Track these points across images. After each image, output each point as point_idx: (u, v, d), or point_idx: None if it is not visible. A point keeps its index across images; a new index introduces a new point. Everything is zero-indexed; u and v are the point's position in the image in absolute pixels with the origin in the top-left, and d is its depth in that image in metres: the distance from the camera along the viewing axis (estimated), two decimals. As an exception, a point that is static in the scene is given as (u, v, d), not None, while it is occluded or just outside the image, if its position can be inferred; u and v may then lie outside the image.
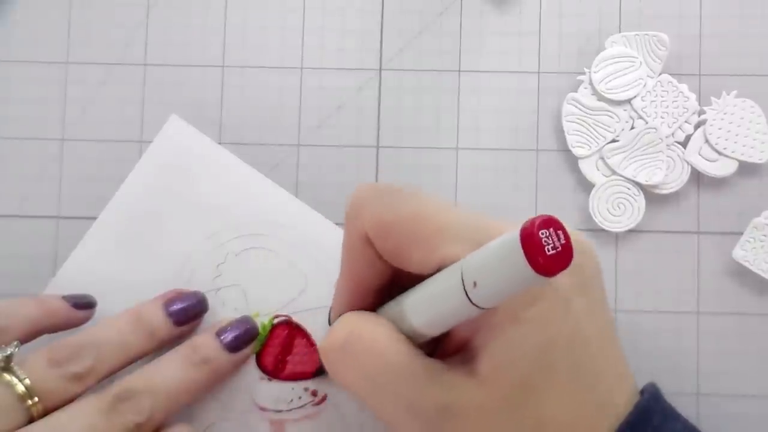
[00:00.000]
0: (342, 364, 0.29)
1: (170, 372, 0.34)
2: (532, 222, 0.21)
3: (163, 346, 0.36)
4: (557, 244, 0.21)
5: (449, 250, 0.26)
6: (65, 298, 0.36)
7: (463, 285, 0.24)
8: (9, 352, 0.32)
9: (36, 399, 0.32)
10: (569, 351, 0.27)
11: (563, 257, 0.21)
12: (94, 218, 0.40)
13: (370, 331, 0.28)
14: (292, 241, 0.39)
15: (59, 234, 0.41)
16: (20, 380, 0.31)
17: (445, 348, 0.29)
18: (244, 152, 0.40)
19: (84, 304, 0.36)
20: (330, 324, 0.32)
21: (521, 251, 0.21)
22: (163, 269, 0.39)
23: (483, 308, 0.24)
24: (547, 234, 0.21)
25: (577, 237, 0.28)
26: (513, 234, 0.22)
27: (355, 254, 0.29)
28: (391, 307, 0.30)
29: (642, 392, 0.29)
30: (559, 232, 0.21)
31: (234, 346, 0.36)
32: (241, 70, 0.41)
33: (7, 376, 0.31)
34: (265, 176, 0.40)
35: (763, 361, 0.40)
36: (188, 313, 0.37)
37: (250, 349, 0.38)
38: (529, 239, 0.21)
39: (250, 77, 0.41)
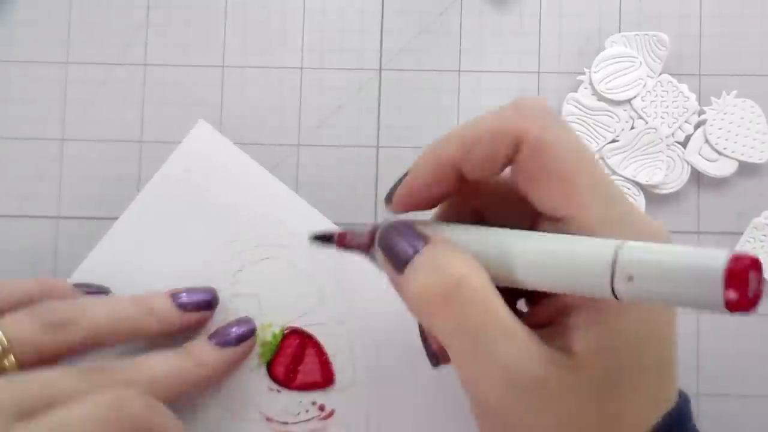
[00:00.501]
0: (443, 312, 0.26)
1: (163, 360, 0.34)
2: (740, 258, 0.21)
3: (167, 329, 0.36)
4: (755, 288, 0.21)
5: (598, 206, 0.25)
6: (77, 285, 0.36)
7: (612, 271, 0.23)
8: None
9: (7, 346, 0.31)
10: (659, 348, 0.26)
11: (755, 302, 0.21)
12: (95, 218, 0.40)
13: (480, 282, 0.26)
14: (312, 254, 0.39)
15: (59, 234, 0.41)
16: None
17: (532, 312, 0.28)
18: (244, 152, 0.40)
19: (93, 292, 0.36)
20: (388, 200, 0.30)
21: (720, 282, 0.21)
22: (180, 273, 0.39)
23: (618, 299, 0.23)
24: (752, 276, 0.21)
25: (657, 231, 0.27)
26: (714, 259, 0.21)
27: (486, 144, 0.26)
28: (480, 237, 0.27)
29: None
30: (760, 277, 0.21)
31: (226, 342, 0.36)
32: (241, 70, 0.41)
33: None
34: (290, 189, 0.40)
35: (763, 361, 0.40)
36: (196, 302, 0.36)
37: (245, 347, 0.37)
38: (736, 276, 0.21)
39: (250, 77, 0.41)
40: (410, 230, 0.28)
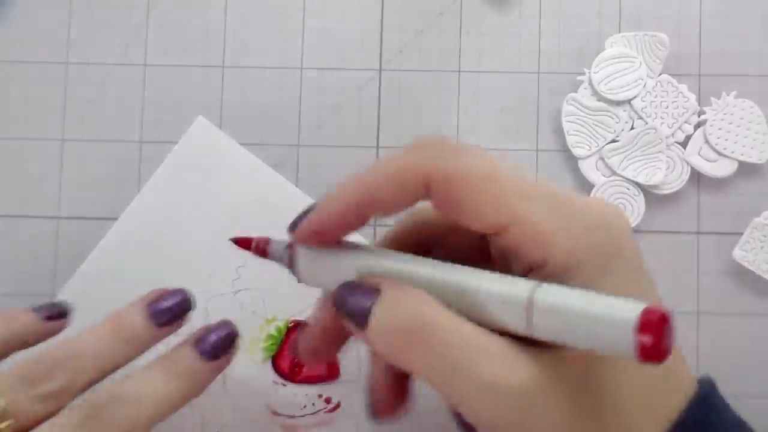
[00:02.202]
0: (414, 353, 0.26)
1: (150, 383, 0.33)
2: (653, 312, 0.22)
3: (147, 349, 0.34)
4: (667, 342, 0.22)
5: (524, 210, 0.26)
6: (36, 309, 0.34)
7: (528, 310, 0.24)
8: None
9: (10, 420, 0.30)
10: None
11: (664, 353, 0.22)
12: (95, 218, 0.40)
13: (436, 314, 0.26)
14: None
15: (59, 234, 0.41)
16: None
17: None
18: (242, 147, 0.40)
19: (56, 314, 0.35)
20: (291, 231, 0.30)
21: (633, 336, 0.21)
22: (182, 269, 0.39)
23: (534, 336, 0.24)
24: (664, 330, 0.22)
25: (603, 204, 0.27)
26: (627, 314, 0.22)
27: (395, 183, 0.27)
28: (436, 273, 0.28)
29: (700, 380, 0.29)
30: (670, 330, 0.22)
31: (213, 354, 0.34)
32: (241, 70, 0.41)
33: None
34: (288, 181, 0.40)
35: (764, 361, 0.40)
36: (172, 313, 0.35)
37: (231, 355, 0.35)
38: (647, 333, 0.21)
39: (250, 77, 0.41)
40: (361, 287, 0.28)
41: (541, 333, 0.24)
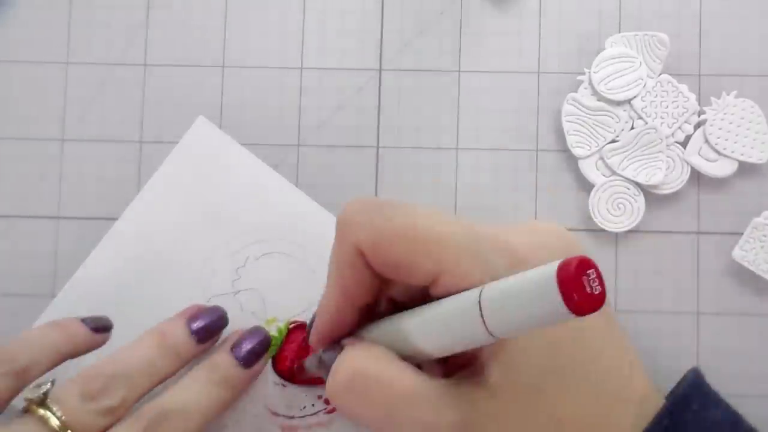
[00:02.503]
0: (352, 404, 0.29)
1: (196, 393, 0.35)
2: (568, 263, 0.21)
3: (189, 363, 0.36)
4: (594, 285, 0.22)
5: (449, 258, 0.27)
6: (84, 321, 0.36)
7: (481, 315, 0.24)
8: (46, 389, 0.32)
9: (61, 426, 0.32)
10: (574, 350, 0.28)
11: (599, 298, 0.22)
12: (95, 218, 0.40)
13: (374, 365, 0.28)
14: (313, 247, 0.39)
15: (59, 234, 0.41)
16: (55, 415, 0.32)
17: (450, 362, 0.30)
18: (243, 147, 0.40)
19: (102, 327, 0.36)
20: (308, 342, 0.32)
21: (557, 291, 0.21)
22: (183, 270, 0.39)
23: (498, 338, 0.25)
24: (585, 275, 0.22)
25: (562, 231, 0.29)
26: (547, 272, 0.22)
27: (346, 269, 0.29)
28: (386, 327, 0.29)
29: (683, 377, 0.30)
30: (595, 272, 0.22)
31: (249, 361, 0.37)
32: (241, 70, 0.41)
33: (41, 411, 0.32)
34: (288, 181, 0.40)
35: (763, 361, 0.40)
36: (211, 330, 0.37)
37: (265, 359, 0.38)
38: (568, 280, 0.21)
39: (250, 77, 0.41)
40: (335, 346, 0.31)
41: (497, 329, 0.24)
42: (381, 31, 0.42)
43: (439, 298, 0.27)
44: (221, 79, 0.41)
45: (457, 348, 0.26)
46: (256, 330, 0.38)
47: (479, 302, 0.24)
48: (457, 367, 0.29)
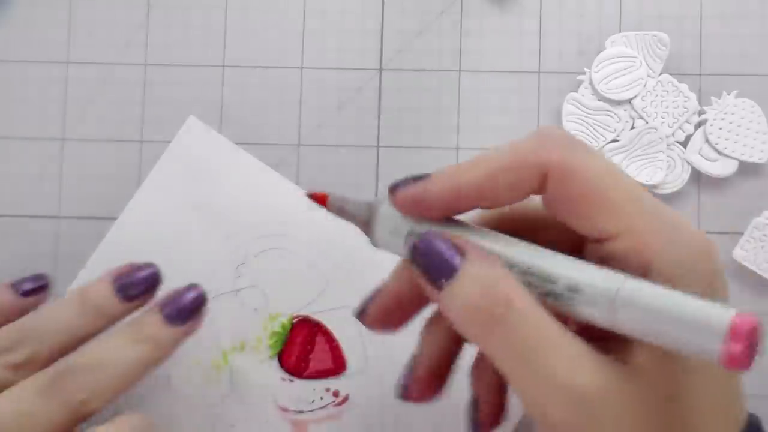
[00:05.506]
0: (492, 335, 0.25)
1: (113, 349, 0.33)
2: (746, 321, 0.21)
3: (115, 322, 0.34)
4: (753, 351, 0.22)
5: (640, 222, 0.25)
6: (13, 284, 0.35)
7: (616, 303, 0.24)
8: None
9: None
10: (706, 375, 0.26)
11: (750, 362, 0.22)
12: (95, 218, 0.40)
13: (524, 300, 0.25)
14: (312, 241, 0.39)
15: (59, 234, 0.41)
16: None
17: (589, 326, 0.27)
18: (235, 145, 0.40)
19: (32, 290, 0.35)
20: (393, 189, 0.28)
21: (721, 342, 0.21)
22: (182, 270, 0.39)
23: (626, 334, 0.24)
24: (753, 339, 0.22)
25: (705, 237, 0.26)
26: (720, 315, 0.22)
27: (511, 174, 0.26)
28: (525, 254, 0.26)
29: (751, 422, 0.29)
30: (759, 339, 0.22)
31: (178, 319, 0.34)
32: (241, 70, 0.41)
33: None
34: (283, 176, 0.40)
35: (763, 361, 0.40)
36: (138, 287, 0.34)
37: (198, 320, 0.35)
38: (739, 337, 0.21)
39: (250, 77, 0.41)
40: (446, 242, 0.26)
41: (625, 327, 0.23)
42: (381, 31, 0.42)
43: (601, 257, 0.26)
44: (221, 79, 0.41)
45: (586, 319, 0.25)
46: (191, 286, 0.35)
47: (621, 288, 0.23)
48: (596, 332, 0.26)
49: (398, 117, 0.41)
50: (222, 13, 0.42)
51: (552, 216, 0.27)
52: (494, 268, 0.26)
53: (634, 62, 0.40)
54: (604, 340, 0.26)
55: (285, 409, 0.38)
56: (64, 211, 0.41)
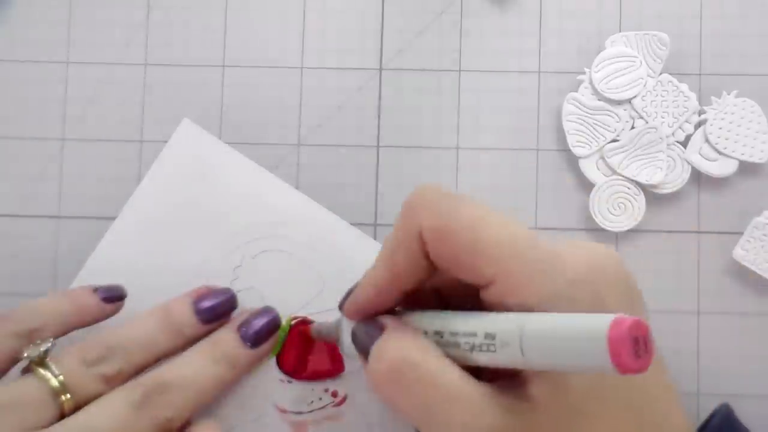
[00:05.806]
0: (394, 392, 0.28)
1: (197, 368, 0.35)
2: (620, 322, 0.21)
3: (191, 343, 0.36)
4: (642, 351, 0.22)
5: (510, 266, 0.26)
6: (98, 291, 0.36)
7: (521, 345, 0.24)
8: (45, 348, 0.33)
9: (68, 395, 0.32)
10: (618, 378, 0.27)
11: (645, 363, 0.22)
12: (95, 218, 0.40)
13: (420, 356, 0.28)
14: (308, 242, 0.39)
15: (59, 234, 0.41)
16: (54, 376, 0.32)
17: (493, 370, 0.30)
18: (244, 152, 0.40)
19: (114, 297, 0.36)
20: (341, 308, 0.32)
21: (607, 351, 0.21)
22: (179, 273, 0.39)
23: (535, 369, 0.25)
24: (636, 338, 0.22)
25: (619, 258, 0.28)
26: (598, 324, 0.22)
27: (401, 251, 0.29)
28: (431, 320, 0.29)
29: (714, 412, 0.30)
30: (646, 337, 0.22)
31: (254, 341, 0.36)
32: (241, 70, 0.41)
33: (42, 371, 0.32)
34: (278, 177, 0.40)
35: (763, 361, 0.40)
36: (217, 312, 0.37)
37: (272, 342, 0.37)
38: (618, 341, 0.21)
39: (250, 77, 0.41)
40: (373, 322, 0.30)
41: (534, 362, 0.24)
42: (381, 31, 0.42)
43: (488, 302, 0.27)
44: (221, 78, 0.41)
45: (501, 366, 0.26)
46: (265, 310, 0.37)
47: (521, 333, 0.24)
48: (497, 375, 0.28)
49: (398, 117, 0.41)
50: (222, 13, 0.42)
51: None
52: (400, 335, 0.29)
53: (634, 62, 0.40)
54: (507, 379, 0.27)
55: (284, 411, 0.38)
56: (64, 211, 0.41)
